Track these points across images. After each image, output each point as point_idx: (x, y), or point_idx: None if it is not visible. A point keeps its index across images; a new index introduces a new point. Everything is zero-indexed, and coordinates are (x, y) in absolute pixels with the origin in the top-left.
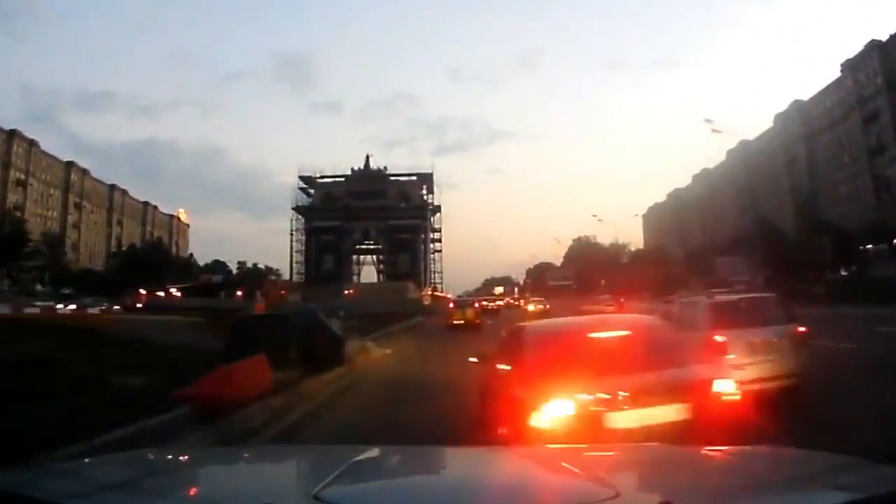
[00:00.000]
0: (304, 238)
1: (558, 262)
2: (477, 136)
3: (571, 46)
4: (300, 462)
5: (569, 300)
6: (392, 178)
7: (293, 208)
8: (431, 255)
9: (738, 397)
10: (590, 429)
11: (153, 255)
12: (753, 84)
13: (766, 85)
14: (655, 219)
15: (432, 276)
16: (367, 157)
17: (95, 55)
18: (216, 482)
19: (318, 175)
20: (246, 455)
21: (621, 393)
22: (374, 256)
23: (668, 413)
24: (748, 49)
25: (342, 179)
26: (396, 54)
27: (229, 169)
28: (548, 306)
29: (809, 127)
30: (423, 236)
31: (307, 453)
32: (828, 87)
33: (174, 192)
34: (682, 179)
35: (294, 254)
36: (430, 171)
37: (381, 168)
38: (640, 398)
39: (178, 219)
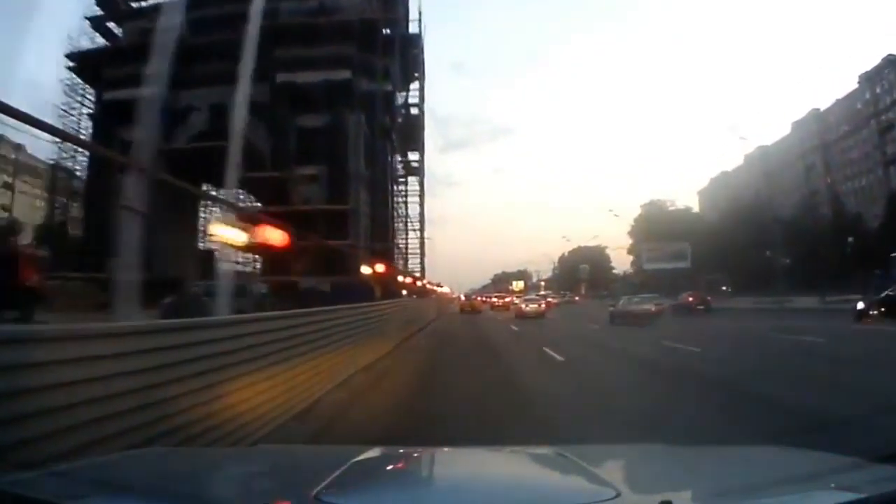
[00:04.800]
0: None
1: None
2: (482, 133)
3: (577, 40)
4: (300, 462)
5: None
6: None
7: (67, 60)
8: (401, 180)
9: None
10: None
11: None
12: (772, 83)
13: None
14: (716, 194)
15: (400, 232)
16: None
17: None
18: (216, 482)
19: None
20: (246, 455)
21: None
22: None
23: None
24: (768, 45)
25: None
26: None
27: None
28: (543, 305)
29: None
30: (372, 121)
31: (307, 453)
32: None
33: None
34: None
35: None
36: None
37: None
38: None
39: None
